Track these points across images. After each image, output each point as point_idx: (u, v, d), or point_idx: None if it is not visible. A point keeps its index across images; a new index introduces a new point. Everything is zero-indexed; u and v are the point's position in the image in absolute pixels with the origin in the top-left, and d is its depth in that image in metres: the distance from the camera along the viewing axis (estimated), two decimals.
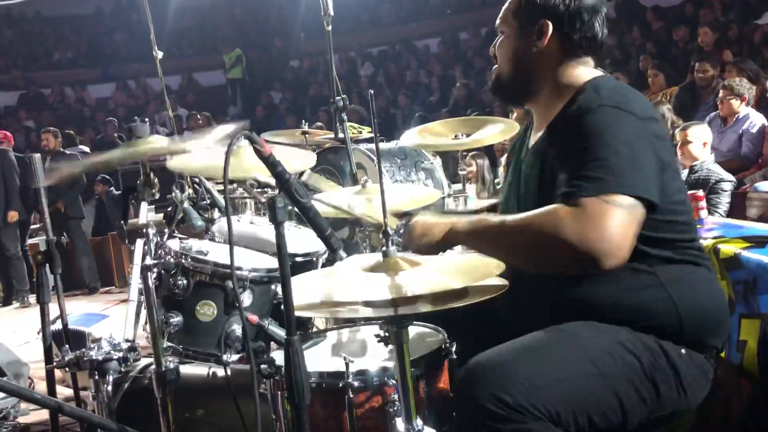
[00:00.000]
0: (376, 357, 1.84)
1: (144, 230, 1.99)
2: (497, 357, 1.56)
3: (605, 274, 1.53)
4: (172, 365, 1.99)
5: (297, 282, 1.57)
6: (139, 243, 1.98)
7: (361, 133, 4.42)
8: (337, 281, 1.60)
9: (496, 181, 6.57)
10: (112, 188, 9.58)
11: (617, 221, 1.48)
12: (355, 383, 1.69)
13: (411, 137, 3.58)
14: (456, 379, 1.59)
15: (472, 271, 1.57)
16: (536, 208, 1.71)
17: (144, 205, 2.04)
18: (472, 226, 1.70)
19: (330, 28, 2.93)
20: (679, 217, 1.71)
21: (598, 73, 1.83)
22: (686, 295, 1.66)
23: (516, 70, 1.87)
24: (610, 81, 1.79)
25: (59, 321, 2.80)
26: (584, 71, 1.81)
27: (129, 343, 2.20)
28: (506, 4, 1.90)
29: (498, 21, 1.92)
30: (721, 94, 5.72)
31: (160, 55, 3.89)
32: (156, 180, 2.08)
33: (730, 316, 1.81)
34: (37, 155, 2.68)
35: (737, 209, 4.55)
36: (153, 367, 2.02)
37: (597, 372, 1.56)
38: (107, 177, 9.52)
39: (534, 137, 1.89)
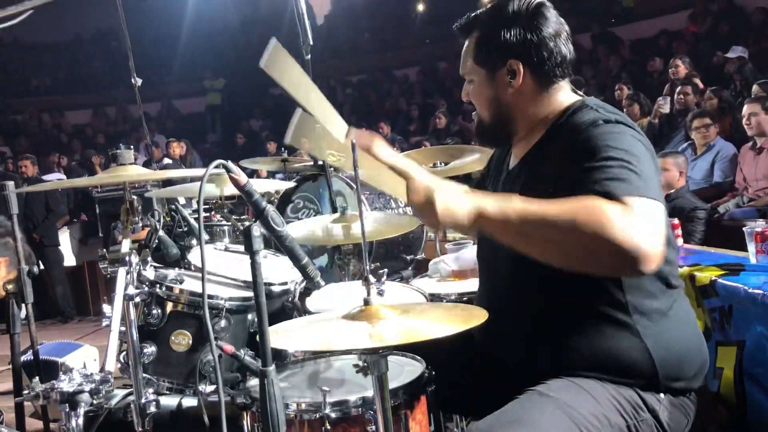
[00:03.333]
0: (354, 387, 1.82)
1: (126, 258, 1.97)
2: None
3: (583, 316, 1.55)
4: (152, 397, 1.95)
5: (276, 330, 1.56)
6: (121, 271, 1.95)
7: (340, 160, 4.42)
8: (316, 330, 1.59)
9: None
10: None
11: (660, 223, 1.42)
12: (333, 414, 1.67)
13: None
14: None
15: (456, 320, 1.55)
16: None
17: (126, 233, 2.02)
18: (504, 213, 1.46)
19: (309, 57, 2.95)
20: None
21: (578, 96, 1.80)
22: (661, 344, 1.63)
23: (496, 116, 1.81)
24: (598, 100, 1.76)
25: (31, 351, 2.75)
26: (564, 96, 1.78)
27: (102, 375, 2.16)
28: (463, 53, 1.83)
29: (461, 70, 1.85)
30: (697, 124, 5.81)
31: (139, 82, 3.89)
32: (139, 208, 2.06)
33: (707, 345, 1.81)
34: (11, 182, 2.65)
35: (712, 237, 4.61)
36: (132, 398, 1.98)
37: None
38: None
39: (513, 162, 1.86)
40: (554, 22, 1.73)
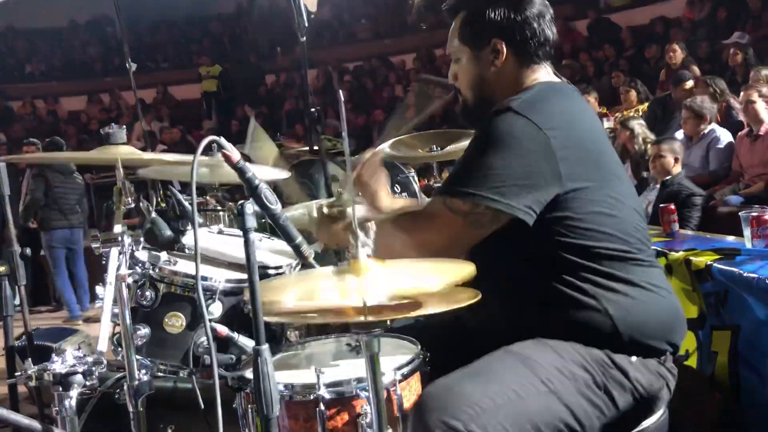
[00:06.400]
0: (348, 368, 1.82)
1: (119, 239, 1.95)
2: (445, 383, 1.56)
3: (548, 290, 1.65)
4: (145, 378, 1.94)
5: (266, 287, 1.54)
6: (114, 252, 1.93)
7: (336, 146, 4.40)
8: (306, 285, 1.59)
9: None
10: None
11: (444, 225, 1.63)
12: (327, 395, 1.66)
13: (385, 150, 3.57)
14: (411, 408, 1.58)
15: (445, 272, 1.56)
16: None
17: (119, 214, 2.00)
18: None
19: (304, 39, 2.93)
20: (606, 229, 1.67)
21: (552, 79, 1.81)
22: (622, 309, 1.66)
23: (480, 95, 1.84)
24: (546, 88, 1.75)
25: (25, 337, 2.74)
26: (543, 77, 1.79)
27: (95, 356, 2.15)
28: (450, 33, 1.86)
29: (448, 50, 1.88)
30: (684, 115, 5.81)
31: (133, 67, 3.86)
32: (132, 188, 2.04)
33: (702, 330, 1.82)
34: (3, 164, 2.63)
35: (708, 223, 4.62)
36: (126, 380, 1.97)
37: (547, 389, 1.57)
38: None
39: None
40: (538, 3, 1.77)
